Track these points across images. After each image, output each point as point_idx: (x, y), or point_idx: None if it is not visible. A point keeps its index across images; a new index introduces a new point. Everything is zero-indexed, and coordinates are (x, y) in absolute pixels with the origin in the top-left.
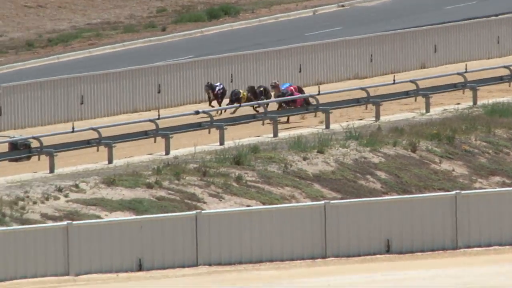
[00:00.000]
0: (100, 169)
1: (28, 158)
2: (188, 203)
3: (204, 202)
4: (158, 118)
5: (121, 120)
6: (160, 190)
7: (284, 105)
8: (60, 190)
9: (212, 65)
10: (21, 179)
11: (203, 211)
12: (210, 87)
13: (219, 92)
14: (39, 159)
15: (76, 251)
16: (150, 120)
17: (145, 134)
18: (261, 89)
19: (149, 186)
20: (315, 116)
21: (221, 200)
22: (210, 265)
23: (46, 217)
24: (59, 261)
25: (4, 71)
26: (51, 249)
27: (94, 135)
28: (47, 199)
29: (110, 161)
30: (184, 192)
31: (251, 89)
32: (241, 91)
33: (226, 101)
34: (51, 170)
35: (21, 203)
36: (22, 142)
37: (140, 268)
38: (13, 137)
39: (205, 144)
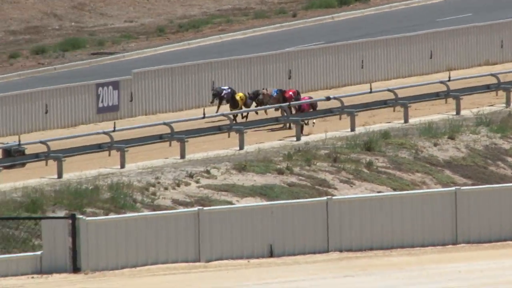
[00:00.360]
0: (231, 155)
1: (23, 165)
2: (318, 189)
3: (335, 188)
4: (289, 105)
5: (252, 106)
6: (291, 176)
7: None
8: (191, 176)
9: (342, 51)
10: (152, 165)
11: (334, 197)
12: (218, 94)
13: (225, 95)
14: (170, 145)
15: (207, 237)
16: (281, 106)
17: (276, 121)
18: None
19: (280, 172)
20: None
21: (351, 186)
22: (341, 251)
23: (177, 203)
24: (190, 247)
25: (135, 57)
26: (182, 235)
27: (226, 121)
28: (178, 185)
29: (241, 147)
30: (315, 178)
31: (253, 93)
32: (238, 95)
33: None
34: (182, 156)
35: (152, 189)
36: (16, 148)
37: (271, 254)
38: (7, 143)
39: (335, 130)
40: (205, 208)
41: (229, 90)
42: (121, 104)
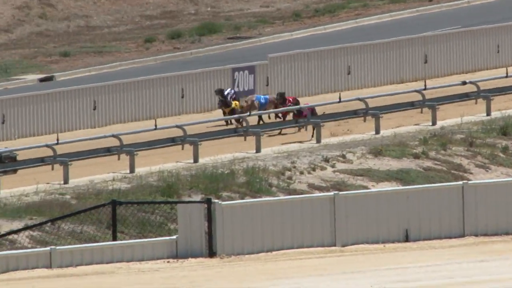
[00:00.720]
0: (367, 140)
1: (15, 171)
2: (454, 174)
3: (471, 173)
4: (425, 89)
5: (387, 90)
6: (426, 160)
7: (280, 117)
8: (327, 160)
9: (478, 35)
10: (288, 149)
11: (469, 182)
12: (220, 93)
13: (230, 96)
14: (306, 129)
15: (342, 222)
16: (416, 91)
17: (411, 105)
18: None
19: (416, 156)
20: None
21: (487, 171)
22: (476, 235)
23: (312, 187)
24: (326, 231)
25: (271, 41)
26: (318, 220)
27: (361, 105)
28: (313, 169)
29: (377, 132)
30: (451, 162)
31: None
32: (233, 102)
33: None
34: (318, 140)
35: (288, 173)
36: (7, 154)
37: (406, 238)
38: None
39: (471, 114)
40: (341, 192)
41: (233, 92)
42: (257, 89)
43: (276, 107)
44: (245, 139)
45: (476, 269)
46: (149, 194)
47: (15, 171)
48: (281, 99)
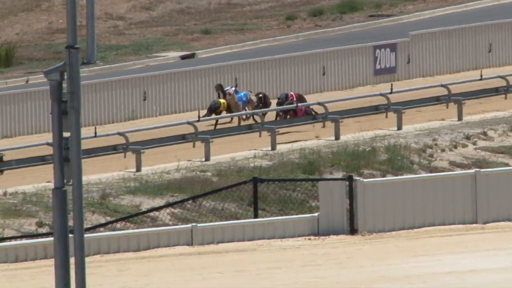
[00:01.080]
0: (509, 117)
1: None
2: None
3: None
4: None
5: None
6: None
7: (281, 114)
8: (468, 137)
9: None
10: (429, 126)
11: None
12: (220, 89)
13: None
14: (447, 106)
15: (483, 199)
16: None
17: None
18: (260, 96)
19: None
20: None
21: None
22: None
23: (454, 164)
24: (467, 208)
25: (412, 19)
26: (459, 197)
27: (502, 82)
28: (455, 146)
29: None
30: None
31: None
32: (220, 101)
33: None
34: (459, 118)
35: (429, 150)
36: None
37: None
38: None
39: None
40: (482, 170)
41: (233, 89)
42: (398, 66)
43: (256, 108)
44: (386, 116)
45: None
46: (291, 172)
47: (0, 172)
48: (284, 98)
